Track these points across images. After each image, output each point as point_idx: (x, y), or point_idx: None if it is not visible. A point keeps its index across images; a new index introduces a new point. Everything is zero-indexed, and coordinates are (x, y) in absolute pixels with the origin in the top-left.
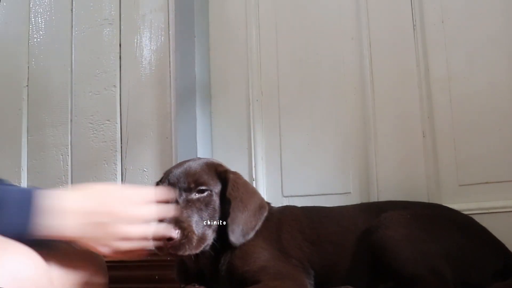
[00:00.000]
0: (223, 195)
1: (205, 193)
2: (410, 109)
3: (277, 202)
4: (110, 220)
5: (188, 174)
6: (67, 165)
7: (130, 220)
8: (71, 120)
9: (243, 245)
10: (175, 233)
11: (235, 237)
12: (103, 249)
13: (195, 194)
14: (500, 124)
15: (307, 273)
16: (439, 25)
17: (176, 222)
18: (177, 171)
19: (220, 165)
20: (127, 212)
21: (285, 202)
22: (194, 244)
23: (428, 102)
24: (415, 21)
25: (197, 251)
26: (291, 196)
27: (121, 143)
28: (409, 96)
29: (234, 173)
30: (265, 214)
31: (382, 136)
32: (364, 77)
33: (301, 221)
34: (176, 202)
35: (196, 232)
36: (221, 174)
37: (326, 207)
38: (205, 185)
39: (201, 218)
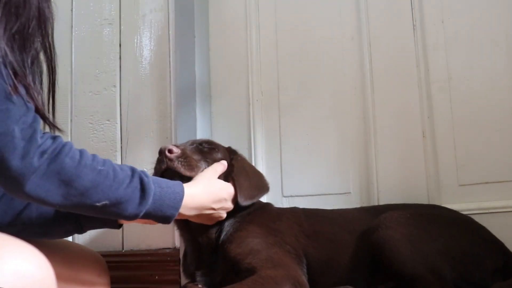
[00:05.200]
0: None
1: (213, 150)
2: (410, 109)
3: (277, 202)
4: (215, 212)
5: (205, 140)
6: None
7: (224, 210)
8: (71, 120)
9: (238, 230)
10: (176, 149)
11: (240, 198)
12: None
13: (205, 147)
14: (500, 124)
15: (300, 261)
16: (439, 25)
17: (183, 149)
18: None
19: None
20: (223, 206)
21: (285, 202)
22: (187, 165)
23: (428, 102)
24: (415, 21)
25: (189, 174)
26: (291, 196)
27: (121, 143)
28: (409, 96)
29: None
30: (266, 191)
31: (382, 136)
32: (364, 77)
33: (299, 217)
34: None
35: (194, 159)
36: (232, 151)
37: (326, 209)
38: (214, 145)
39: (205, 159)
